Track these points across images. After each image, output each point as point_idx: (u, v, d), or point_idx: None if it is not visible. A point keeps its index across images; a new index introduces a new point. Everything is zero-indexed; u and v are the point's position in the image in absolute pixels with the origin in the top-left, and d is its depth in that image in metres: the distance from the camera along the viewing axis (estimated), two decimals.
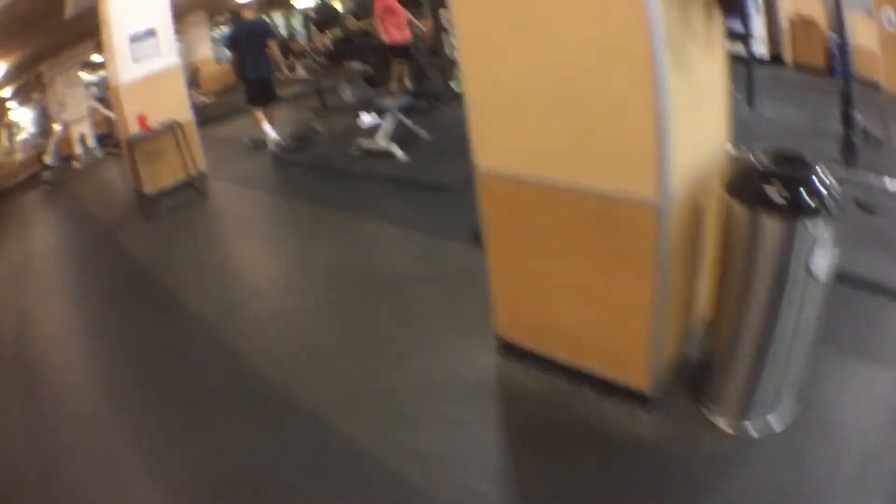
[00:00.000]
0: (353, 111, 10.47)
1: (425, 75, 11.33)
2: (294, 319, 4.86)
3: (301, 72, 20.27)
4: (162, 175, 8.83)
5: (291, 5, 29.22)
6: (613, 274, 2.99)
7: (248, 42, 9.69)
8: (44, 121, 19.74)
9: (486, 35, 2.95)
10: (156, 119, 8.46)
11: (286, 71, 9.93)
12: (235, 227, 7.44)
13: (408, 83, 11.43)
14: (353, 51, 12.08)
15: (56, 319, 6.19)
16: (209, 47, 23.67)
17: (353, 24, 14.72)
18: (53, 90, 17.91)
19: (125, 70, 8.45)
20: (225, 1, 20.70)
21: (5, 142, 27.07)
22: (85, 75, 19.13)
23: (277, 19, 32.03)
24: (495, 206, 3.43)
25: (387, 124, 7.95)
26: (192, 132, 9.06)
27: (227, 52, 12.22)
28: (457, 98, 9.84)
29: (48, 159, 16.00)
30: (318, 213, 6.91)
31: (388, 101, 8.16)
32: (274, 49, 9.76)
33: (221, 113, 15.57)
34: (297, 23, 32.14)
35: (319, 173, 8.33)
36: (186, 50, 23.73)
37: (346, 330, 4.55)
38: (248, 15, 10.07)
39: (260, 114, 10.08)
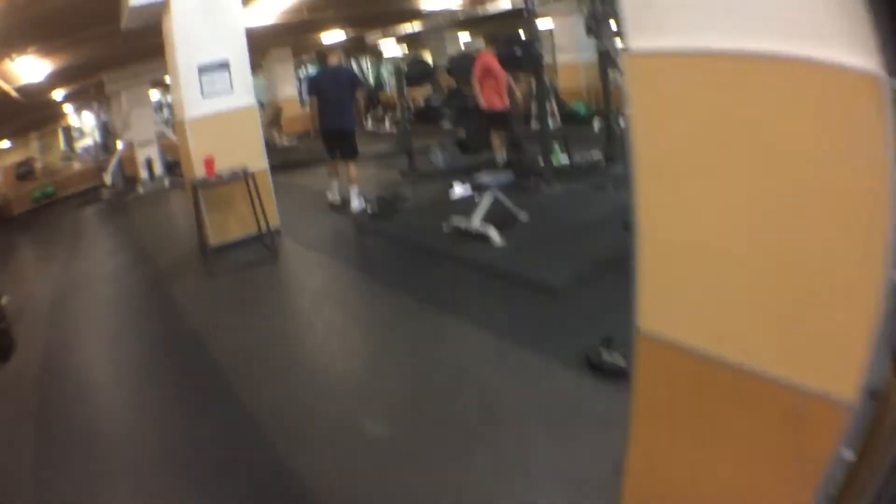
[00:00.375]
0: (444, 179, 9.72)
1: (521, 148, 10.54)
2: (367, 443, 3.85)
3: (388, 126, 19.75)
4: (229, 226, 8.11)
5: (380, 53, 28.95)
6: (776, 471, 2.17)
7: (331, 89, 9.08)
8: (105, 135, 19.10)
9: (680, 164, 1.99)
10: (225, 164, 7.71)
11: (369, 123, 9.30)
12: (304, 300, 6.52)
13: (502, 154, 10.66)
14: (446, 112, 11.34)
15: (80, 379, 5.43)
16: (293, 86, 23.33)
17: (446, 81, 14.08)
18: (118, 104, 17.39)
19: (192, 104, 7.80)
20: (312, 40, 20.47)
21: (62, 145, 26.92)
22: (157, 94, 18.63)
23: (364, 67, 31.83)
24: (654, 376, 2.51)
25: (484, 203, 7.10)
26: (267, 182, 8.27)
27: (307, 97, 11.61)
28: (557, 175, 9.14)
29: (107, 178, 15.26)
30: (400, 302, 5.92)
31: (487, 178, 7.32)
32: (361, 101, 9.16)
33: (301, 159, 15.01)
34: (386, 72, 31.81)
35: (404, 249, 7.45)
36: (268, 87, 23.55)
37: (433, 474, 3.50)
38: (334, 60, 9.48)
39: (336, 169, 9.44)
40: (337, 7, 13.47)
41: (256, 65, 22.58)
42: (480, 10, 17.44)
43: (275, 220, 8.36)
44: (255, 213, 7.84)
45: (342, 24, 17.49)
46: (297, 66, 24.83)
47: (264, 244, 7.90)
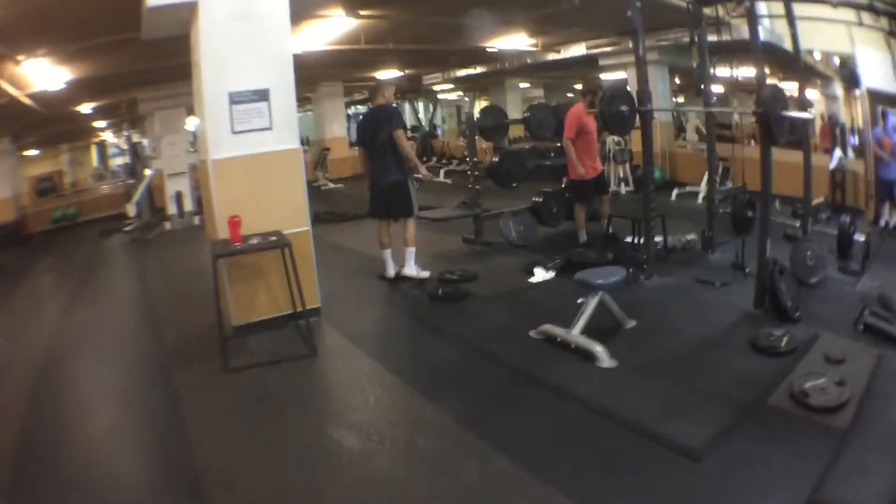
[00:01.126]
0: (517, 253, 8.56)
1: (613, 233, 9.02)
2: None
3: (442, 177, 18.11)
4: (257, 301, 6.44)
5: (435, 95, 27.50)
6: None
7: (373, 133, 7.52)
8: (135, 160, 17.58)
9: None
10: (256, 224, 6.06)
11: (425, 173, 7.69)
12: (345, 429, 4.50)
13: (583, 233, 9.12)
14: (523, 172, 9.74)
15: None
16: (343, 125, 21.88)
17: (524, 137, 12.45)
18: (151, 127, 15.98)
19: (219, 141, 6.16)
20: (365, 77, 19.05)
21: (94, 161, 25.53)
22: (194, 122, 17.31)
23: (418, 109, 30.42)
24: None
25: (589, 309, 5.45)
26: (308, 249, 6.58)
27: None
28: (664, 262, 7.90)
29: (131, 209, 13.61)
30: (474, 450, 4.03)
31: (598, 277, 5.63)
32: (402, 140, 7.48)
33: (350, 209, 13.34)
34: (443, 115, 30.31)
35: (479, 362, 5.56)
36: (316, 124, 22.19)
37: None
38: (380, 100, 7.76)
39: (387, 235, 7.89)
40: (397, 39, 12.01)
41: (303, 98, 21.43)
42: (551, 56, 15.91)
43: (315, 298, 6.64)
44: (291, 290, 6.15)
45: (399, 60, 16.13)
46: (348, 105, 23.40)
47: (300, 331, 6.14)
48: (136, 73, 11.13)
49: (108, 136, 24.81)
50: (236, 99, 6.18)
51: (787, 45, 12.09)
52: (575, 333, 5.31)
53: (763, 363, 5.00)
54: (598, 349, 5.08)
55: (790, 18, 7.65)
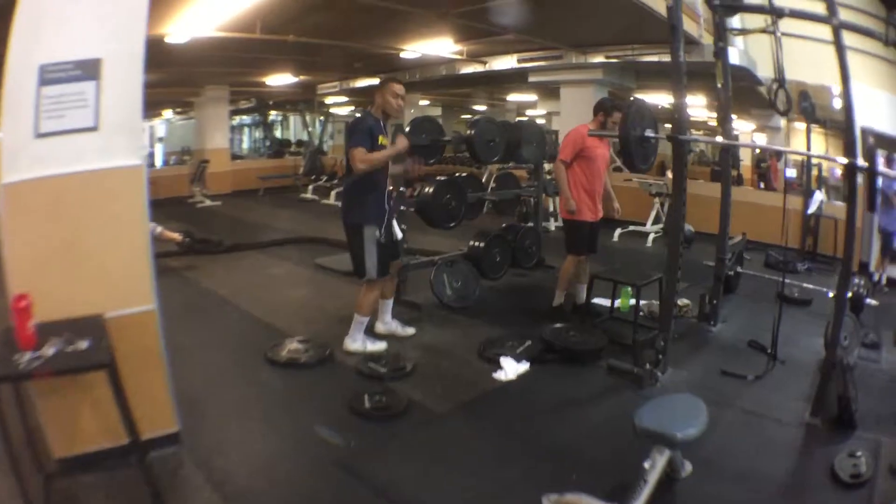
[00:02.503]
0: (466, 326, 6.26)
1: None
2: None
3: (334, 199, 15.68)
4: (83, 425, 3.59)
5: (327, 107, 24.87)
6: None
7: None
8: None
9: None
10: (62, 305, 3.33)
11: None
12: None
13: (579, 296, 6.88)
14: (464, 209, 7.37)
15: None
16: (226, 134, 18.92)
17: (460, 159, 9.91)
18: None
19: (15, 151, 3.36)
20: (253, 81, 16.61)
21: None
22: None
23: (309, 123, 27.79)
24: None
25: (654, 476, 3.08)
26: (152, 342, 3.76)
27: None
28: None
29: None
30: None
31: (675, 426, 3.23)
32: (355, 163, 5.16)
33: (229, 235, 10.59)
34: (332, 131, 27.78)
35: None
36: (197, 132, 19.21)
37: None
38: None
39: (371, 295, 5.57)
40: (299, 29, 9.51)
41: (186, 103, 18.96)
42: (473, 68, 13.63)
43: (168, 417, 3.83)
44: (126, 407, 3.17)
45: (295, 63, 13.59)
46: (234, 114, 20.51)
47: (144, 475, 3.29)
48: None
49: None
50: (49, 76, 3.43)
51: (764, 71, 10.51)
52: None
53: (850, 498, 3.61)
54: None
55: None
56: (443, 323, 6.42)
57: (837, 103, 9.60)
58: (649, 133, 5.25)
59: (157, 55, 10.53)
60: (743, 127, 22.22)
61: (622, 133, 5.14)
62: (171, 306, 5.80)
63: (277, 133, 28.70)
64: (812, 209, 10.03)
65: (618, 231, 11.58)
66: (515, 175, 8.84)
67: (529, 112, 23.26)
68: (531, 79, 13.28)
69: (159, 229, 8.08)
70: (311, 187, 17.20)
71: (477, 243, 7.50)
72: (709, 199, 12.37)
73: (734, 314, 6.85)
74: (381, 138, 5.21)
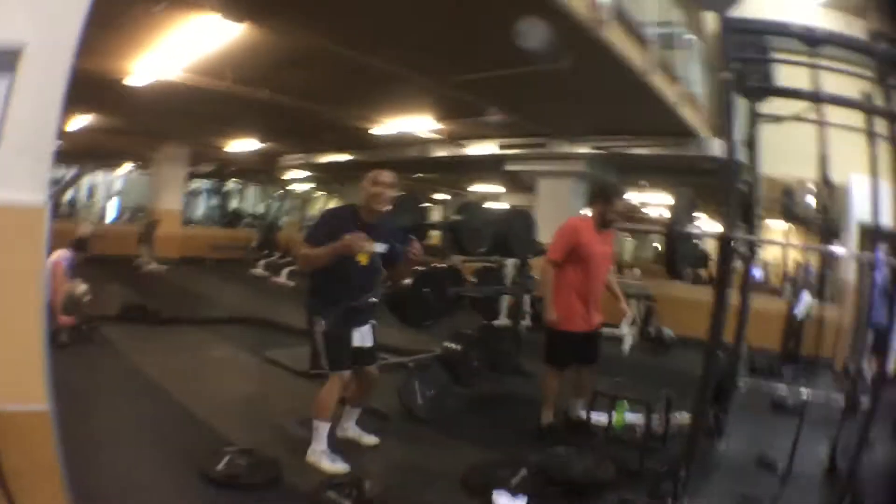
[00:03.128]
0: (441, 446, 5.24)
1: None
2: None
3: (285, 279, 14.67)
4: None
5: (286, 182, 23.93)
6: None
7: None
8: None
9: None
10: None
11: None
12: None
13: (579, 411, 5.77)
14: (444, 305, 6.38)
15: None
16: (180, 197, 17.75)
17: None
18: None
19: None
20: (215, 144, 15.68)
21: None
22: None
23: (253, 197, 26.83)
24: None
25: None
26: (46, 456, 2.58)
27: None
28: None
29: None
30: None
31: None
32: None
33: (169, 307, 9.45)
34: (289, 205, 26.82)
35: None
36: (151, 190, 17.97)
37: None
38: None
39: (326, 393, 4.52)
40: (277, 84, 8.61)
41: (147, 158, 17.77)
42: (448, 151, 12.79)
43: None
44: None
45: (263, 126, 12.67)
46: (189, 177, 19.37)
47: None
48: None
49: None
50: None
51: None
52: None
53: None
54: None
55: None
56: (415, 439, 5.27)
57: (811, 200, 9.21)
58: (696, 229, 4.34)
59: (116, 98, 9.64)
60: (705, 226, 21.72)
61: (668, 230, 4.19)
62: (91, 387, 5.34)
63: (234, 202, 27.52)
64: (801, 311, 9.17)
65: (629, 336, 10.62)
66: (497, 270, 7.79)
67: (492, 205, 22.55)
68: (508, 167, 12.46)
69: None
70: (262, 262, 16.03)
71: (453, 346, 6.44)
72: (685, 301, 11.67)
73: (733, 427, 5.99)
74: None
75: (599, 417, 5.71)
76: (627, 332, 10.33)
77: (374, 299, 4.69)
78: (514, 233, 7.03)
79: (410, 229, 5.82)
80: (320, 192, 25.97)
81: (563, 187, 11.73)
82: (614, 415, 5.46)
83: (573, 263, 5.22)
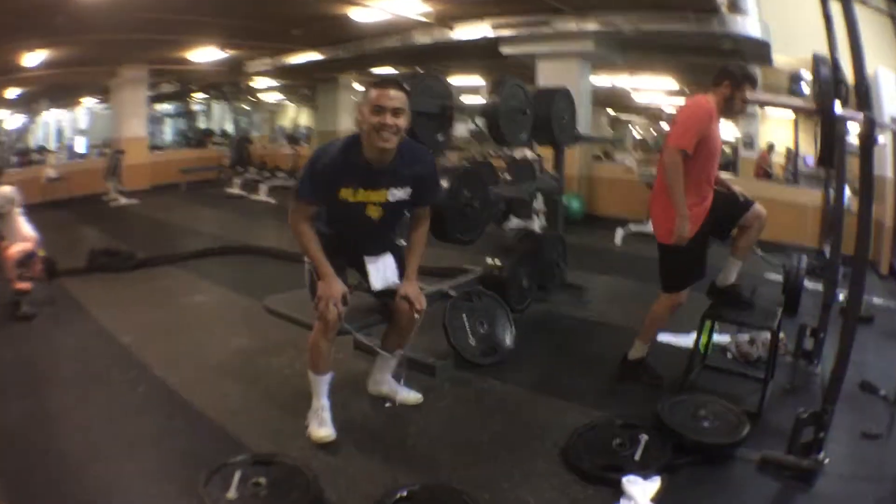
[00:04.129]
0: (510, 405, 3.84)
1: None
2: None
3: (265, 196, 13.32)
4: None
5: (254, 92, 22.19)
6: None
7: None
8: None
9: None
10: None
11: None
12: None
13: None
14: (489, 214, 5.00)
15: None
16: (144, 122, 15.79)
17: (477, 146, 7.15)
18: None
19: None
20: (175, 57, 13.69)
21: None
22: None
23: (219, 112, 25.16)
24: None
25: None
26: None
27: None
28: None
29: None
30: None
31: None
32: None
33: (145, 246, 8.12)
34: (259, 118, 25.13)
35: None
36: (114, 120, 15.87)
37: None
38: None
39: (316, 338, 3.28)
40: None
41: (106, 90, 16.00)
42: (437, 34, 11.03)
43: None
44: None
45: (223, 30, 10.94)
46: (155, 99, 17.61)
47: None
48: None
49: None
50: None
51: None
52: None
53: None
54: None
55: None
56: (475, 396, 3.97)
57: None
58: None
59: (67, 18, 8.20)
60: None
61: (821, 104, 2.82)
62: (51, 367, 4.29)
63: (202, 124, 25.64)
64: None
65: (619, 232, 9.28)
66: (533, 164, 6.31)
67: (467, 99, 20.48)
68: (504, 50, 10.78)
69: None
70: (238, 181, 14.48)
71: (495, 263, 5.10)
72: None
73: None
74: (344, 191, 3.17)
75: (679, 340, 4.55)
76: None
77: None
78: (557, 116, 5.59)
79: (441, 113, 4.39)
80: (290, 103, 24.28)
81: (567, 70, 10.15)
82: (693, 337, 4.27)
83: (697, 156, 3.79)
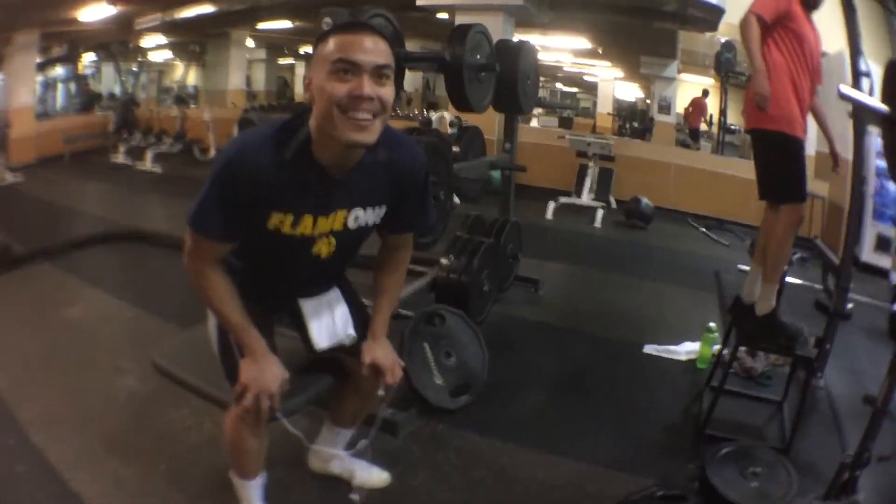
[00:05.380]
0: None
1: None
2: None
3: (151, 164, 11.85)
4: None
5: (142, 52, 20.19)
6: None
7: None
8: None
9: None
10: None
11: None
12: None
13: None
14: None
15: None
16: (32, 90, 13.76)
17: None
18: None
19: None
20: (66, 20, 12.01)
21: None
22: None
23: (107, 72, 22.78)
24: None
25: None
26: None
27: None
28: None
29: None
30: None
31: None
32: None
33: (33, 236, 6.51)
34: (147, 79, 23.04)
35: None
36: (5, 94, 13.39)
37: None
38: None
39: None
40: None
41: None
42: None
43: None
44: None
45: None
46: (45, 65, 15.89)
47: None
48: None
49: None
50: None
51: None
52: None
53: None
54: None
55: None
56: (457, 463, 2.89)
57: None
58: None
59: None
60: (603, 74, 19.66)
61: None
62: None
63: (92, 85, 23.35)
64: None
65: (551, 205, 8.40)
66: (482, 132, 5.23)
67: None
68: (420, 1, 9.53)
69: None
70: (123, 148, 12.86)
71: (453, 261, 4.03)
72: (653, 163, 9.54)
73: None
74: (277, 217, 1.84)
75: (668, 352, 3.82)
76: (592, 203, 8.26)
77: None
78: (523, 76, 4.55)
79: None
80: (179, 62, 22.50)
81: (491, 27, 9.00)
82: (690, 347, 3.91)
83: (783, 39, 3.06)
